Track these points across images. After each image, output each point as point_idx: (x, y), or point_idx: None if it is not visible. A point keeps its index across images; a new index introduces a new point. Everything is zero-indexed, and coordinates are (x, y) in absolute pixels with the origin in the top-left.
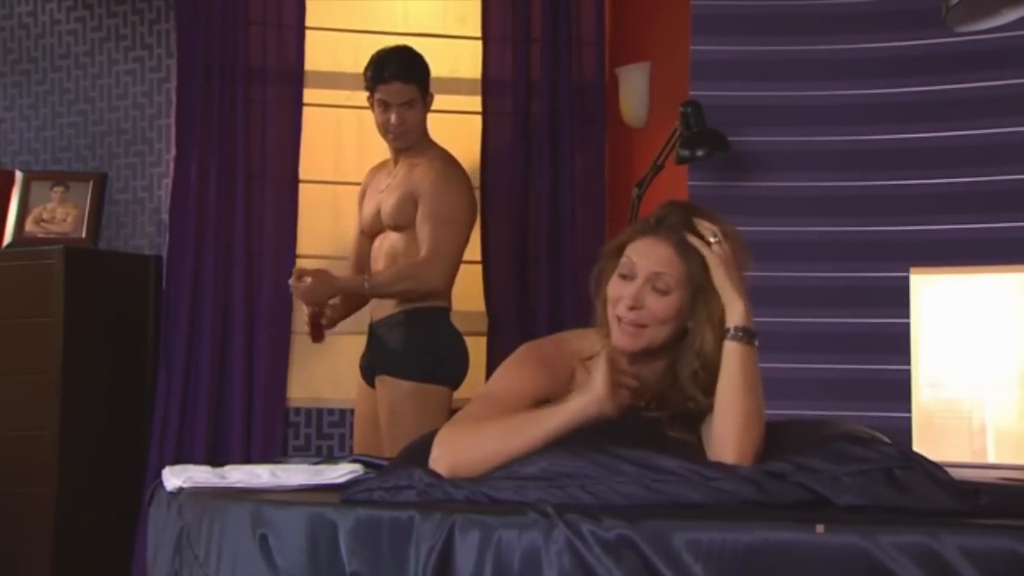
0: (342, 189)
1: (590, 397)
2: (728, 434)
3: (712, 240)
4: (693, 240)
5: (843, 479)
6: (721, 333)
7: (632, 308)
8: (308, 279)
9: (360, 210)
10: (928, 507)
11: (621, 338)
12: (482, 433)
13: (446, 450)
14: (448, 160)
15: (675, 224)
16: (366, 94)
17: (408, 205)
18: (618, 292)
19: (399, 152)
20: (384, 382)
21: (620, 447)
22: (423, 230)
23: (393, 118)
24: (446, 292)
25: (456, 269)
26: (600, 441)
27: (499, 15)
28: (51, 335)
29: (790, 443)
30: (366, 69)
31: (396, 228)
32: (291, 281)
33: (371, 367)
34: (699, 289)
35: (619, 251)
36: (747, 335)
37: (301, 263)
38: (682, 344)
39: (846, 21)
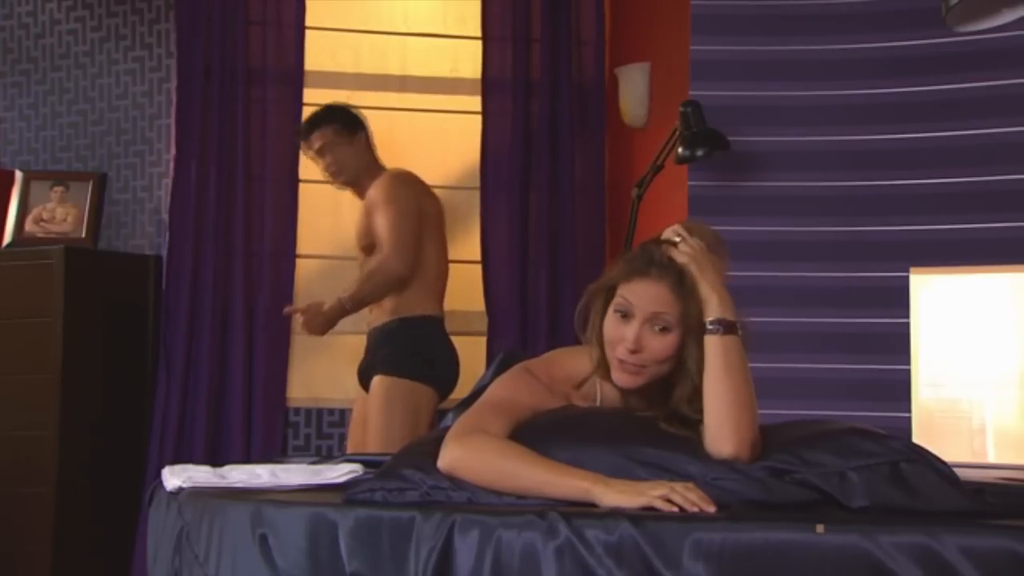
0: None
1: (625, 496)
2: (720, 423)
3: (676, 239)
4: (668, 250)
5: (849, 474)
6: None
7: (634, 351)
8: (299, 316)
9: None
10: (936, 508)
11: (621, 377)
12: (501, 457)
13: (460, 452)
14: (395, 173)
15: (667, 262)
16: (366, 93)
17: (369, 223)
18: (618, 333)
19: (352, 189)
20: (377, 381)
21: (636, 449)
22: (378, 232)
23: (321, 165)
24: (429, 299)
25: (414, 253)
26: (614, 442)
27: (499, 15)
28: (51, 335)
29: (793, 439)
30: None
31: (367, 251)
32: (285, 311)
33: (367, 371)
34: (694, 327)
35: (608, 290)
36: (724, 326)
37: (301, 263)
38: (678, 374)
39: (846, 21)
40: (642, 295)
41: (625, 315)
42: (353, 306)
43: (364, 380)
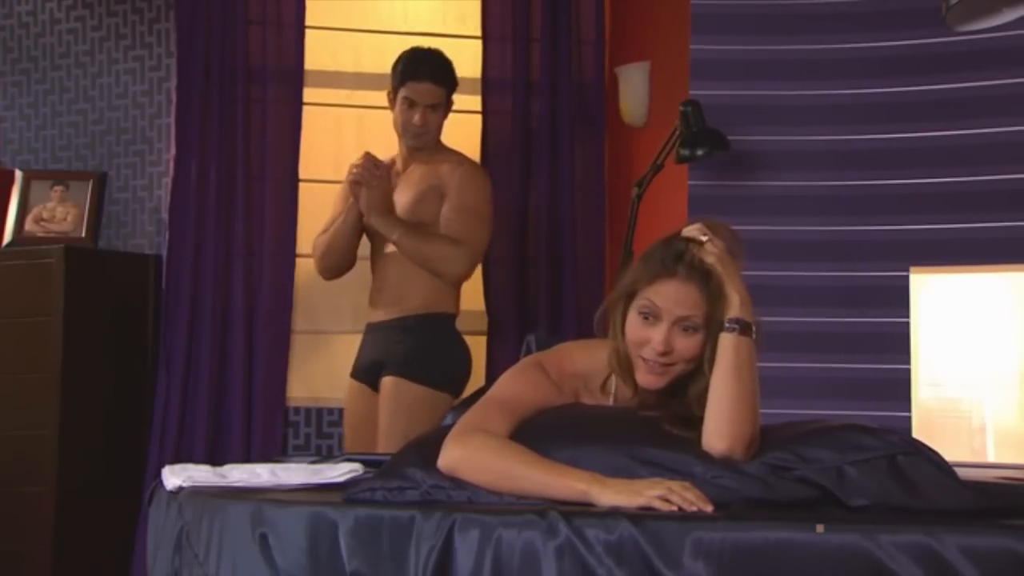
0: None
1: (622, 496)
2: (719, 421)
3: (703, 239)
4: (696, 249)
5: (847, 469)
6: None
7: (663, 353)
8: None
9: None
10: (934, 500)
11: (647, 378)
12: (499, 458)
13: (459, 453)
14: (474, 162)
15: (695, 262)
16: (367, 92)
17: (431, 201)
18: (644, 335)
19: (412, 152)
20: (394, 383)
21: (638, 449)
22: (450, 219)
23: (417, 118)
24: (454, 295)
25: (479, 260)
26: (616, 441)
27: (499, 14)
28: (51, 335)
29: (790, 437)
30: (396, 65)
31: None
32: (359, 163)
33: (375, 367)
34: (716, 327)
35: (630, 295)
36: (741, 326)
37: (301, 263)
38: (695, 371)
39: (846, 21)
40: (670, 297)
41: (650, 317)
42: (399, 240)
43: (369, 375)
